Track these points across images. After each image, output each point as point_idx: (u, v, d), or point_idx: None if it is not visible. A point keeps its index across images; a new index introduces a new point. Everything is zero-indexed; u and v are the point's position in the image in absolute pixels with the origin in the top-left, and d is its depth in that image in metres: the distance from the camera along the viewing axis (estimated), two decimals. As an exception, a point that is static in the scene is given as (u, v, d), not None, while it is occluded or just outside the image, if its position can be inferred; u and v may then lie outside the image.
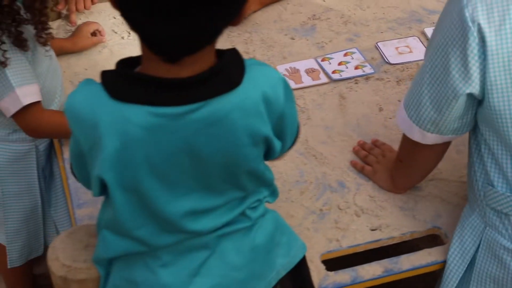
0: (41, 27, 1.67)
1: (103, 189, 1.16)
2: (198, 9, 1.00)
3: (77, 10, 2.15)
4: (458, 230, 1.47)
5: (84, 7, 2.16)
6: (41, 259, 2.30)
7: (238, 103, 1.09)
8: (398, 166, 1.59)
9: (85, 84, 1.12)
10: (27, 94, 1.64)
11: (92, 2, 2.19)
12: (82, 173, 1.22)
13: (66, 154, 1.72)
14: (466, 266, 1.45)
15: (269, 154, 1.20)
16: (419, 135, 1.43)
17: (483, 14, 1.24)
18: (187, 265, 1.21)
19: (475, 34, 1.24)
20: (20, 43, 1.62)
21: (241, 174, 1.17)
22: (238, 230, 1.23)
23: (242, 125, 1.10)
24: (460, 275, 1.45)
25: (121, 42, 2.08)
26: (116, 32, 2.12)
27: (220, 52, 1.11)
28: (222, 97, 1.08)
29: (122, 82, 1.08)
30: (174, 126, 1.07)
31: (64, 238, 1.33)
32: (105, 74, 1.10)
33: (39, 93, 1.67)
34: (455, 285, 1.46)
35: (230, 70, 1.10)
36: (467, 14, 1.25)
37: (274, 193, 1.31)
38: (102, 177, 1.12)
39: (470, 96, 1.32)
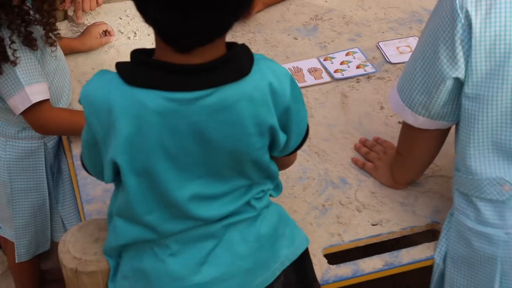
0: (49, 28, 1.72)
1: (116, 175, 1.20)
2: (212, 5, 1.05)
3: (83, 10, 2.19)
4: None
5: (90, 8, 2.20)
6: (49, 254, 2.34)
7: (247, 92, 1.14)
8: (397, 160, 1.63)
9: (100, 74, 1.17)
10: (36, 92, 1.69)
11: (98, 3, 2.23)
12: (94, 162, 1.26)
13: (75, 151, 1.76)
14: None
15: (274, 147, 1.24)
16: (411, 118, 1.49)
17: (472, 1, 1.30)
18: (194, 254, 1.25)
19: (463, 20, 1.31)
20: (30, 43, 1.67)
21: (246, 162, 1.21)
22: (244, 220, 1.27)
23: (249, 114, 1.15)
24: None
25: (128, 42, 2.12)
26: (122, 33, 2.16)
27: (230, 44, 1.16)
28: (231, 85, 1.13)
29: (137, 68, 1.13)
30: (186, 111, 1.12)
31: (75, 232, 1.37)
32: (120, 64, 1.15)
33: (47, 91, 1.72)
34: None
35: (240, 60, 1.15)
36: (457, 1, 1.31)
37: (278, 187, 1.35)
38: (115, 160, 1.16)
39: (457, 80, 1.37)
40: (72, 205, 1.98)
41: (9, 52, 1.63)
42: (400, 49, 2.10)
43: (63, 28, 2.17)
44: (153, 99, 1.11)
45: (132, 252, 1.28)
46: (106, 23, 2.12)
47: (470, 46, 1.32)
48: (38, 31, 1.71)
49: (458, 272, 1.48)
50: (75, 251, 1.33)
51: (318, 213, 1.62)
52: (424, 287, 1.65)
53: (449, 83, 1.38)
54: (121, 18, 2.21)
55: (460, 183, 1.44)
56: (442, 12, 1.35)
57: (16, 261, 2.02)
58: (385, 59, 2.07)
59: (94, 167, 1.28)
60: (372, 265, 1.53)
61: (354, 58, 2.07)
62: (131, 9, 2.23)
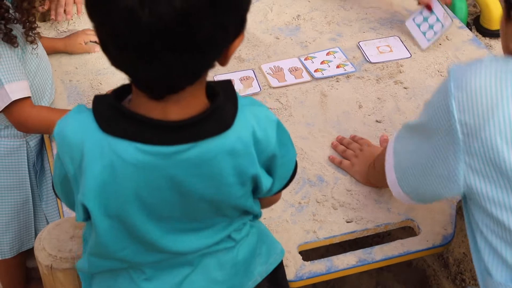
0: (29, 26, 1.74)
1: (87, 215, 1.15)
2: (168, 54, 0.98)
3: (64, 12, 2.18)
4: None
5: (65, 12, 2.18)
6: (34, 252, 2.36)
7: (228, 146, 1.09)
8: (371, 169, 1.64)
9: (76, 112, 1.12)
10: (16, 90, 1.70)
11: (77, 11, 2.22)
12: (66, 195, 1.22)
13: (56, 150, 1.78)
14: None
15: (257, 191, 1.21)
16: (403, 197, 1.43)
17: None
18: (170, 280, 1.23)
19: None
20: (10, 39, 1.69)
21: (227, 208, 1.19)
22: (222, 249, 1.25)
23: (229, 166, 1.11)
24: None
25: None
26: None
27: (211, 88, 1.11)
28: (212, 139, 1.08)
29: (113, 116, 1.07)
30: (163, 164, 1.08)
31: (50, 229, 1.39)
32: (97, 104, 1.09)
33: (28, 89, 1.74)
34: None
35: (222, 113, 1.09)
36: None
37: (258, 215, 1.31)
38: (85, 204, 1.12)
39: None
40: (55, 203, 2.00)
41: None
42: (380, 49, 2.12)
43: (47, 28, 2.19)
44: (129, 151, 1.07)
45: (107, 273, 1.26)
46: (94, 34, 2.12)
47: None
48: (18, 29, 1.73)
49: None
50: (50, 248, 1.36)
51: (294, 210, 1.64)
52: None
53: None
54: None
55: None
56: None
57: (0, 258, 2.04)
58: (365, 58, 2.09)
59: (67, 199, 1.24)
60: (346, 262, 1.55)
61: (335, 57, 2.09)
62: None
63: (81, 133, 1.09)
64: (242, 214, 1.25)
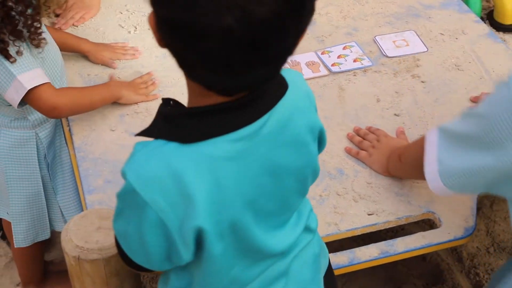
0: (34, 31, 1.70)
1: (197, 247, 1.10)
2: (261, 65, 0.99)
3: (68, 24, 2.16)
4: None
5: (74, 24, 2.16)
6: (51, 245, 2.38)
7: (293, 104, 1.12)
8: (394, 160, 1.65)
9: (140, 148, 1.06)
10: (30, 78, 1.67)
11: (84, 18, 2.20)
12: (152, 249, 1.10)
13: (77, 142, 1.79)
14: None
15: (320, 148, 1.25)
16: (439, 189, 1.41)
17: None
18: None
19: None
20: (18, 34, 1.65)
21: (309, 177, 1.21)
22: (305, 246, 1.28)
23: (303, 124, 1.14)
24: None
25: (128, 36, 2.15)
26: (123, 27, 2.19)
27: None
28: (279, 104, 1.09)
29: (187, 122, 1.05)
30: (253, 145, 1.07)
31: (77, 220, 1.40)
32: (169, 123, 1.06)
33: (44, 76, 1.70)
34: None
35: (278, 77, 1.11)
36: None
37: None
38: (201, 227, 1.05)
39: None
40: (71, 196, 2.01)
41: None
42: (397, 43, 2.13)
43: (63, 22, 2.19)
44: (222, 146, 1.04)
45: None
46: (124, 55, 2.06)
47: None
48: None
49: None
50: (77, 239, 1.37)
51: (315, 203, 1.65)
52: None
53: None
54: (121, 13, 2.24)
55: None
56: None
57: (15, 246, 2.05)
58: (382, 52, 2.10)
59: (152, 255, 1.12)
60: (368, 253, 1.56)
61: (351, 52, 2.10)
62: (132, 4, 2.26)
63: (164, 161, 1.03)
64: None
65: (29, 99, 1.70)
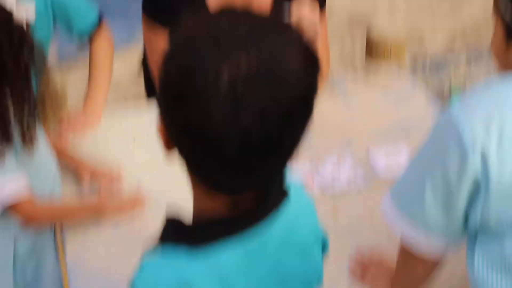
0: (27, 125, 1.65)
1: None
2: (275, 160, 0.99)
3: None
4: None
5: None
6: None
7: (298, 203, 1.14)
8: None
9: (149, 265, 1.05)
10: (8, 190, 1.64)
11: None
12: None
13: (70, 255, 1.77)
14: None
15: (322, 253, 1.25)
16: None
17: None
18: None
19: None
20: (7, 136, 1.61)
21: (314, 284, 1.21)
22: None
23: (307, 226, 1.17)
24: None
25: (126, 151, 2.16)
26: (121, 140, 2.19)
27: None
28: (285, 204, 1.10)
29: (200, 235, 1.05)
30: (261, 246, 1.07)
31: None
32: (176, 242, 1.05)
33: (23, 180, 1.67)
34: None
35: (280, 179, 1.10)
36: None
37: None
38: None
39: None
40: None
41: None
42: (389, 160, 2.14)
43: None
44: (230, 252, 1.04)
45: None
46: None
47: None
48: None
49: None
50: None
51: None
52: None
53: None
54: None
55: None
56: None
57: None
58: (374, 170, 2.11)
59: None
60: None
61: (345, 166, 2.11)
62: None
63: (176, 275, 1.03)
64: None
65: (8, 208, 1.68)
